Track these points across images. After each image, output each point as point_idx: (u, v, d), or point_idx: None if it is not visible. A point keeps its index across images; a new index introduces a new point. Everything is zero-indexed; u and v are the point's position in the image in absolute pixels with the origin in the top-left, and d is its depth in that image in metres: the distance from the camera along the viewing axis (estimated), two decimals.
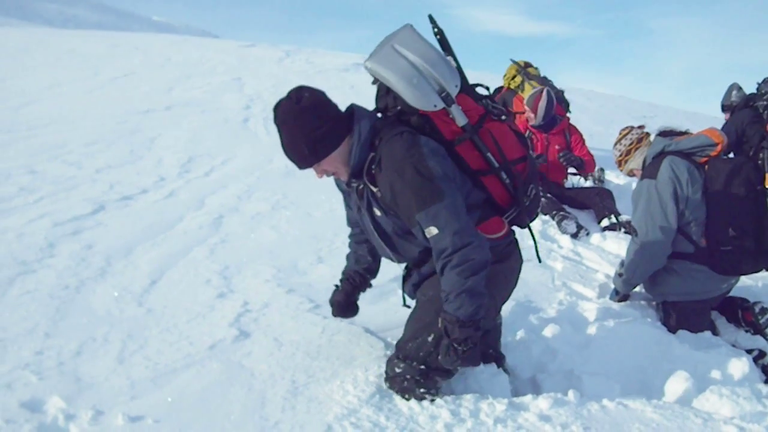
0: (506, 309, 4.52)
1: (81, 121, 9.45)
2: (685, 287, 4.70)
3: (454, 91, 3.23)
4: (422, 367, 3.25)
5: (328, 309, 3.91)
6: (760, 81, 7.31)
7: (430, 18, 3.57)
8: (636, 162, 5.12)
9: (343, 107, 3.25)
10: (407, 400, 3.24)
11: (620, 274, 4.98)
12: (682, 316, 4.71)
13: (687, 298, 4.71)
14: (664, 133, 4.92)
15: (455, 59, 3.47)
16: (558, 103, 8.12)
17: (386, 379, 3.36)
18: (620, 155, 5.23)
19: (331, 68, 16.69)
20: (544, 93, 7.66)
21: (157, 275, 4.60)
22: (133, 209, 5.97)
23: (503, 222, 3.42)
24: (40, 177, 6.64)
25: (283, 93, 3.29)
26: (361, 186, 3.27)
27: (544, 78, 9.02)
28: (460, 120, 3.27)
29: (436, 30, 3.54)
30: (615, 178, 9.10)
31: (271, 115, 3.19)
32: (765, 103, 6.76)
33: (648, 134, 5.17)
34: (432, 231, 3.03)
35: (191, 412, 3.09)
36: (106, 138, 8.54)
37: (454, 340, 3.06)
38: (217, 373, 3.43)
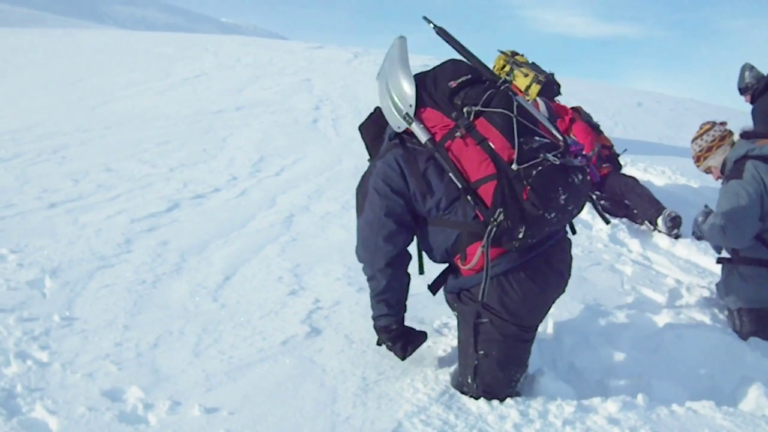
0: (575, 312, 4.52)
1: (155, 121, 9.67)
2: (758, 294, 4.63)
3: (410, 110, 3.25)
4: (469, 380, 3.32)
5: None
6: None
7: (426, 19, 3.53)
8: (716, 160, 5.03)
9: None
10: (476, 399, 3.27)
11: (699, 220, 4.94)
12: (754, 323, 4.63)
13: (760, 305, 4.64)
14: (746, 134, 4.84)
15: (467, 55, 3.41)
16: (548, 87, 8.08)
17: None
18: (700, 150, 5.12)
19: None
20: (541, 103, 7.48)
21: (230, 272, 4.70)
22: (206, 207, 6.09)
23: (472, 252, 3.15)
24: (116, 175, 6.82)
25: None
26: None
27: (533, 64, 8.50)
28: (422, 137, 3.21)
29: (435, 30, 3.48)
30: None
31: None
32: None
33: (731, 132, 5.06)
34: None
35: (265, 405, 3.15)
36: (179, 137, 8.72)
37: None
38: (290, 368, 3.49)
